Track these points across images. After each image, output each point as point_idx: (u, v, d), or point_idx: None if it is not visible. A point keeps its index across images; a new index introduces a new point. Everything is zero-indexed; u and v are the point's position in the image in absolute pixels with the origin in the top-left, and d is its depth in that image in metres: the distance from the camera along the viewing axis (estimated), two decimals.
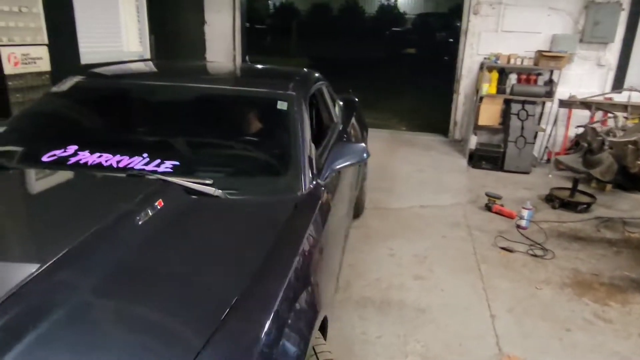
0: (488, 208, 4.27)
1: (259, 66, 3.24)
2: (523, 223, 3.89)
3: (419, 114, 7.36)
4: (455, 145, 6.38)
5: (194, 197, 1.69)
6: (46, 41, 3.94)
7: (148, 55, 5.54)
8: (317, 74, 3.13)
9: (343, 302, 2.70)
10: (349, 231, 3.23)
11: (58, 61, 4.07)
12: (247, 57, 3.94)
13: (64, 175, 1.82)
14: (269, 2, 7.78)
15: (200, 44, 7.01)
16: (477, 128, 5.96)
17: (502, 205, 4.24)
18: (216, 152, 2.09)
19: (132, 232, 1.39)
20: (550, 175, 5.42)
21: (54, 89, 2.43)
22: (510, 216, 4.10)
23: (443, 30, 7.03)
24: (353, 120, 3.62)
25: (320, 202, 1.85)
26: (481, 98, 5.75)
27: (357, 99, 4.28)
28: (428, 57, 7.19)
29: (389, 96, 7.52)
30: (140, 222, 1.43)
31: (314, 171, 1.98)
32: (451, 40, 6.60)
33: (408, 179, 5.03)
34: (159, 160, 1.87)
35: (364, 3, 7.39)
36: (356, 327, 2.48)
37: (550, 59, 5.54)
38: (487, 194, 4.34)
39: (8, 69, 3.58)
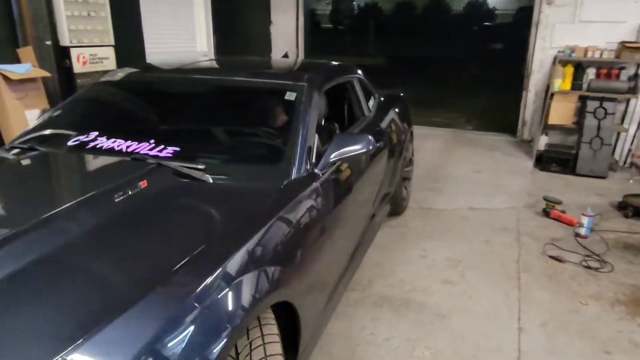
0: (546, 213, 3.91)
1: (289, 60, 3.28)
2: (582, 231, 3.51)
3: (488, 113, 6.94)
4: (523, 146, 5.93)
5: (184, 180, 1.76)
6: (113, 42, 4.29)
7: (212, 54, 5.83)
8: (345, 67, 3.10)
9: (359, 300, 2.63)
10: (377, 228, 3.17)
11: (124, 61, 4.41)
12: (286, 52, 3.96)
13: (76, 158, 2.00)
14: (354, 2, 7.70)
15: (266, 43, 7.22)
16: (547, 127, 5.48)
17: (562, 211, 3.86)
18: (217, 139, 2.17)
19: (106, 207, 1.52)
20: (631, 181, 4.84)
21: (97, 82, 2.69)
22: (570, 223, 3.72)
23: (516, 24, 6.56)
24: (393, 116, 3.50)
25: (308, 190, 1.84)
26: (552, 95, 5.28)
27: (402, 94, 4.14)
28: (500, 53, 6.76)
29: (458, 94, 7.19)
30: (116, 199, 1.55)
31: (312, 160, 1.98)
32: (523, 34, 6.13)
33: (462, 179, 4.76)
34: (162, 146, 1.97)
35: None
36: (366, 327, 2.40)
37: (636, 50, 4.94)
38: (545, 198, 3.98)
39: (77, 68, 3.95)
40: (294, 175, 1.87)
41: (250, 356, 1.30)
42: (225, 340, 1.13)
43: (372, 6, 7.47)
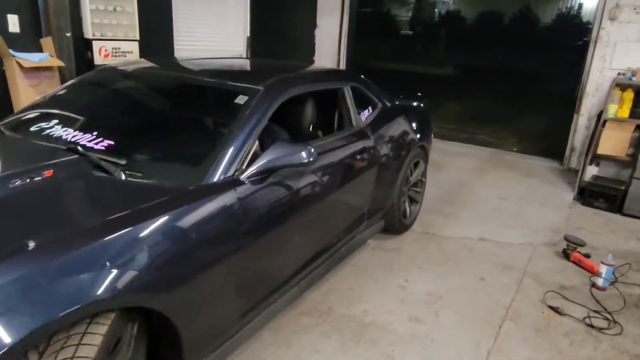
0: (565, 255, 3.45)
1: (272, 62, 3.24)
2: (600, 282, 3.04)
3: (537, 134, 6.35)
4: (568, 176, 5.34)
5: (98, 174, 1.75)
6: (137, 37, 4.41)
7: (245, 55, 5.85)
8: (334, 74, 2.97)
9: (308, 327, 2.44)
10: (356, 245, 3.05)
11: (149, 55, 4.53)
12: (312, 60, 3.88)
13: (19, 142, 2.09)
14: (435, 10, 7.35)
15: (310, 47, 7.15)
16: (597, 157, 4.88)
17: (586, 255, 3.38)
18: (153, 137, 2.13)
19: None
20: None
21: (82, 75, 2.76)
22: (590, 270, 3.25)
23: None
24: (395, 129, 3.26)
25: (219, 196, 1.74)
26: (604, 122, 4.69)
27: (421, 106, 3.87)
28: (560, 70, 6.14)
29: (516, 111, 6.65)
30: (11, 185, 1.58)
31: (242, 167, 1.88)
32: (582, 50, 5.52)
33: (483, 205, 4.36)
34: (100, 139, 1.98)
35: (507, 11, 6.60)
36: (300, 358, 2.21)
37: None
38: (566, 238, 3.51)
39: (98, 60, 4.10)
40: (208, 180, 1.77)
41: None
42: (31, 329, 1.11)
43: (452, 14, 6.97)
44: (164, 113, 2.25)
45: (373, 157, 2.91)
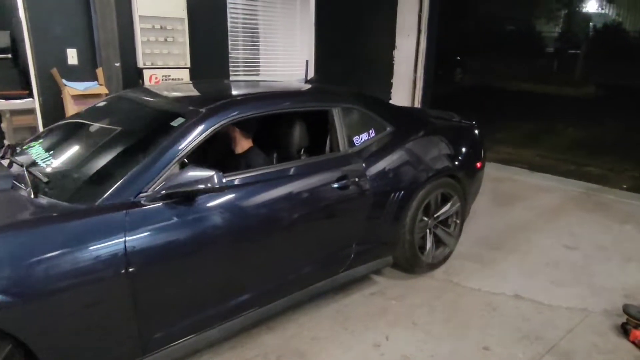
0: (624, 331, 2.62)
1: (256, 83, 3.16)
2: None
3: None
4: None
5: (12, 192, 1.87)
6: (188, 65, 4.66)
7: (305, 79, 5.80)
8: (318, 94, 2.87)
9: None
10: (332, 284, 2.72)
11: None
12: (314, 76, 3.67)
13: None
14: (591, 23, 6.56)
15: (387, 69, 6.85)
16: None
17: None
18: (83, 158, 2.16)
19: None
20: None
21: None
22: None
23: None
24: (423, 153, 2.98)
25: (105, 217, 1.73)
26: None
27: (468, 129, 3.46)
28: None
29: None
30: None
31: (141, 189, 1.85)
32: None
33: (537, 254, 3.58)
34: (50, 159, 2.17)
35: None
36: None
37: None
38: (625, 310, 2.67)
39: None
40: (104, 201, 1.77)
41: None
42: None
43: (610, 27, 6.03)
44: (107, 136, 2.28)
45: (361, 185, 2.59)
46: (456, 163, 3.18)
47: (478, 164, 3.42)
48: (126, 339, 1.81)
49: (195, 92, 2.90)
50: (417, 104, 6.66)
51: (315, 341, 2.49)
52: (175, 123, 2.10)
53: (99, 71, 4.14)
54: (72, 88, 3.87)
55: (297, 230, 2.36)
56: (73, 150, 2.30)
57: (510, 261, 3.46)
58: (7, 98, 4.84)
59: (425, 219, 3.05)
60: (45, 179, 1.93)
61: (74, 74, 4.08)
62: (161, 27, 4.40)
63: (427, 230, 3.09)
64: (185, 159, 2.19)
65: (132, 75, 4.35)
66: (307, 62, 5.62)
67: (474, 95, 7.15)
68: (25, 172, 1.90)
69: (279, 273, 2.38)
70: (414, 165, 2.91)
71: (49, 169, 2.09)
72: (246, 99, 2.46)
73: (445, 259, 3.29)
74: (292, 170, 2.38)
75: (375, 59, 6.63)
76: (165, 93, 2.60)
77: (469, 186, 3.30)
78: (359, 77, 6.42)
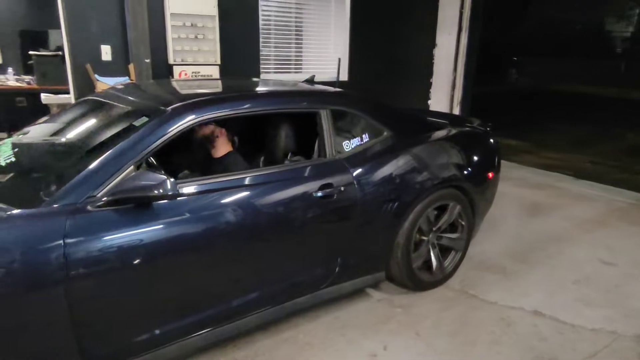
0: None
1: (239, 81, 3.13)
2: None
3: None
4: None
5: None
6: (218, 62, 4.72)
7: (342, 79, 5.70)
8: (306, 95, 2.70)
9: None
10: (312, 300, 2.53)
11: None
12: (313, 77, 3.47)
13: None
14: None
15: (427, 67, 6.62)
16: None
17: None
18: (52, 159, 2.11)
19: None
20: None
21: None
22: None
23: None
24: (425, 160, 2.76)
25: (37, 221, 1.63)
26: None
27: (483, 135, 3.26)
28: None
29: None
30: None
31: (90, 192, 1.73)
32: None
33: (567, 268, 3.29)
34: (11, 157, 2.13)
35: None
36: None
37: None
38: None
39: None
40: (47, 205, 1.67)
41: None
42: None
43: None
44: (70, 136, 2.21)
45: (348, 194, 2.38)
46: (463, 172, 2.92)
47: (490, 174, 3.15)
48: (62, 354, 1.70)
49: (182, 90, 2.70)
50: (456, 104, 6.39)
51: (309, 347, 2.41)
52: (138, 123, 1.98)
53: (131, 67, 4.27)
54: (104, 83, 4.01)
55: (266, 243, 2.18)
56: (34, 151, 2.21)
57: (535, 274, 3.21)
58: (55, 93, 5.15)
59: (424, 238, 2.83)
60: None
61: (107, 69, 4.24)
62: (192, 25, 4.48)
63: (430, 246, 2.87)
64: (145, 162, 1.97)
65: (162, 71, 4.46)
66: (339, 60, 5.51)
67: (524, 97, 6.79)
68: None
69: (243, 289, 2.19)
70: (412, 174, 2.69)
71: (6, 170, 2.01)
72: (216, 99, 2.28)
73: (453, 268, 3.06)
74: (264, 177, 2.21)
75: (414, 58, 6.42)
76: (148, 91, 2.49)
77: (477, 198, 3.03)
78: (396, 76, 6.25)
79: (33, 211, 1.64)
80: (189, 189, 1.95)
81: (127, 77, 4.22)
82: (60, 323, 1.64)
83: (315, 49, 5.62)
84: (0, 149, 2.20)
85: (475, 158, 3.08)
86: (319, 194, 2.28)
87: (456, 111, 6.40)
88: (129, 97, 2.37)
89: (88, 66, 4.11)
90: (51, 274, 1.58)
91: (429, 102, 6.70)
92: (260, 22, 5.04)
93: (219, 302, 2.11)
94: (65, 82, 5.02)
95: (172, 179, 1.74)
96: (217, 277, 2.07)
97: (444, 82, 6.41)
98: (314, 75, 3.48)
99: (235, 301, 2.16)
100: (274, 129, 2.61)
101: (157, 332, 1.92)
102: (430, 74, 6.61)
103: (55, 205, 1.66)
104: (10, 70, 6.52)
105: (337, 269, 2.50)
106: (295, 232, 2.26)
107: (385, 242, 2.67)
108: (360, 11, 5.66)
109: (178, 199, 1.86)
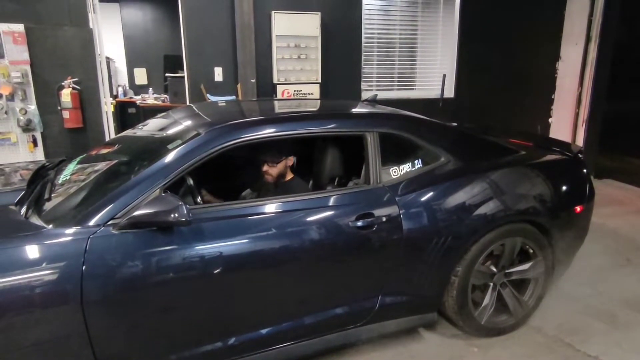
0: None
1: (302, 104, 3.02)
2: None
3: None
4: None
5: (14, 206, 1.99)
6: (319, 80, 4.86)
7: (448, 95, 5.47)
8: (353, 117, 2.55)
9: None
10: (345, 338, 2.31)
11: (328, 96, 4.93)
12: (375, 95, 3.21)
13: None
14: None
15: (548, 82, 6.02)
16: None
17: None
18: (86, 179, 2.14)
19: None
20: None
21: None
22: None
23: None
24: (486, 193, 2.41)
25: (55, 242, 1.68)
26: None
27: (567, 162, 2.81)
28: None
29: None
30: None
31: (106, 214, 1.76)
32: None
33: None
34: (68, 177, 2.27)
35: None
36: None
37: None
38: None
39: None
40: (71, 225, 1.72)
41: None
42: None
43: None
44: (119, 157, 2.26)
45: (392, 225, 2.17)
46: (539, 206, 2.51)
47: (578, 208, 2.68)
48: None
49: (233, 111, 2.69)
50: (581, 123, 5.69)
51: None
52: (171, 146, 1.98)
53: (239, 86, 4.61)
54: (212, 101, 4.40)
55: (294, 274, 2.05)
56: (84, 171, 2.23)
57: None
58: None
59: (489, 281, 2.52)
60: (46, 199, 1.94)
61: (219, 89, 4.64)
62: (295, 45, 4.69)
63: (491, 284, 2.54)
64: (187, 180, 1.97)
65: (268, 90, 4.74)
66: (444, 76, 5.31)
67: None
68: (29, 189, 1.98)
69: (268, 321, 2.07)
70: (473, 205, 2.36)
71: (57, 189, 2.08)
72: (255, 122, 2.21)
73: (504, 331, 2.63)
74: (295, 203, 2.09)
75: (533, 72, 5.88)
76: (203, 112, 2.45)
77: (560, 237, 2.61)
78: (511, 92, 5.80)
79: (59, 231, 1.70)
80: (213, 213, 1.92)
81: (234, 96, 4.57)
82: (75, 340, 1.68)
83: (420, 65, 5.48)
84: (69, 167, 2.34)
85: (557, 189, 2.64)
86: (358, 223, 2.11)
87: (581, 131, 5.70)
88: (184, 119, 2.36)
89: (202, 86, 4.54)
90: (68, 292, 1.62)
91: (550, 120, 6.07)
92: (363, 39, 5.08)
93: (242, 331, 2.03)
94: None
95: (185, 206, 1.71)
96: (239, 307, 1.99)
97: (568, 98, 5.76)
98: (376, 94, 3.35)
99: (258, 334, 2.06)
100: (320, 152, 2.52)
101: (173, 357, 1.90)
102: (552, 89, 5.99)
103: (79, 226, 1.71)
104: (150, 90, 7.54)
105: (376, 306, 2.30)
106: (329, 262, 2.11)
107: (437, 281, 2.40)
108: (472, 22, 5.38)
109: (204, 224, 1.86)
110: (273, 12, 4.55)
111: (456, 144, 2.57)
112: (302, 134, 2.22)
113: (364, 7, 4.99)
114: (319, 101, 3.70)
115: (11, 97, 4.01)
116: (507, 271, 2.56)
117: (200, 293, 1.87)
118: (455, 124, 3.28)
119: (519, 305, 2.62)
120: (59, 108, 4.11)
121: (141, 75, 8.64)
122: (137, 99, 7.34)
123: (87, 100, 4.26)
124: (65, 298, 1.62)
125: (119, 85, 8.02)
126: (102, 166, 2.19)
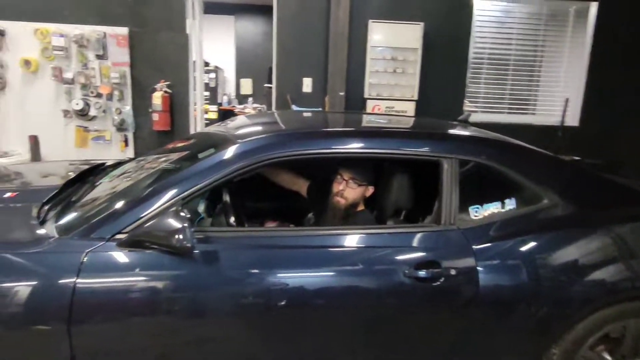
0: None
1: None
2: None
3: None
4: None
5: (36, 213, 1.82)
6: (415, 97, 4.40)
7: (570, 123, 4.63)
8: (411, 137, 2.08)
9: None
10: None
11: (424, 115, 4.44)
12: (469, 115, 2.53)
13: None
14: None
15: None
16: None
17: None
18: (107, 190, 1.97)
19: None
20: None
21: None
22: None
23: None
24: (597, 255, 1.79)
25: (50, 254, 1.52)
26: None
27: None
28: None
29: None
30: None
31: (111, 227, 1.56)
32: None
33: None
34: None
35: None
36: None
37: None
38: None
39: None
40: (72, 236, 1.55)
41: None
42: None
43: None
44: (148, 169, 2.01)
45: (464, 280, 1.68)
46: None
47: None
48: None
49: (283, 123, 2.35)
50: None
51: None
52: (202, 154, 1.76)
53: (326, 99, 4.34)
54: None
55: (318, 329, 1.66)
56: (110, 182, 2.05)
57: None
58: None
59: (607, 357, 1.84)
60: (69, 205, 1.83)
61: (306, 100, 4.41)
62: (392, 58, 4.31)
63: None
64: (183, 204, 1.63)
65: (357, 104, 4.40)
66: (566, 100, 4.50)
67: None
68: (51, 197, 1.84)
69: None
70: (585, 267, 1.76)
71: (82, 198, 1.92)
72: (294, 136, 1.87)
73: None
74: (331, 238, 1.73)
75: None
76: (257, 122, 2.27)
77: None
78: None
79: (63, 241, 1.55)
80: (232, 240, 1.65)
81: (320, 109, 4.30)
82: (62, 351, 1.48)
83: (538, 86, 4.73)
84: (108, 175, 2.19)
85: None
86: (417, 273, 1.65)
87: None
88: (230, 130, 2.12)
89: (288, 96, 4.35)
90: (56, 307, 1.44)
91: None
92: (471, 53, 4.51)
93: None
94: None
95: (190, 228, 1.45)
96: (253, 353, 1.66)
97: None
98: (469, 114, 2.77)
99: None
100: (385, 179, 2.08)
101: None
102: None
103: (78, 238, 1.55)
104: (250, 99, 7.68)
105: None
106: (369, 320, 1.68)
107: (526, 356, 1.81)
108: (607, 41, 4.51)
109: (220, 251, 1.58)
110: (370, 20, 4.22)
111: (570, 183, 1.95)
112: (355, 152, 1.84)
113: (474, 17, 4.43)
114: (398, 118, 3.19)
115: (109, 97, 4.19)
116: None
117: (192, 332, 1.56)
118: (576, 158, 2.61)
119: None
120: (150, 110, 4.21)
121: (247, 85, 8.88)
122: (239, 108, 7.51)
123: (177, 104, 4.31)
124: (52, 314, 1.44)
125: (224, 94, 8.30)
126: (133, 174, 1.98)
